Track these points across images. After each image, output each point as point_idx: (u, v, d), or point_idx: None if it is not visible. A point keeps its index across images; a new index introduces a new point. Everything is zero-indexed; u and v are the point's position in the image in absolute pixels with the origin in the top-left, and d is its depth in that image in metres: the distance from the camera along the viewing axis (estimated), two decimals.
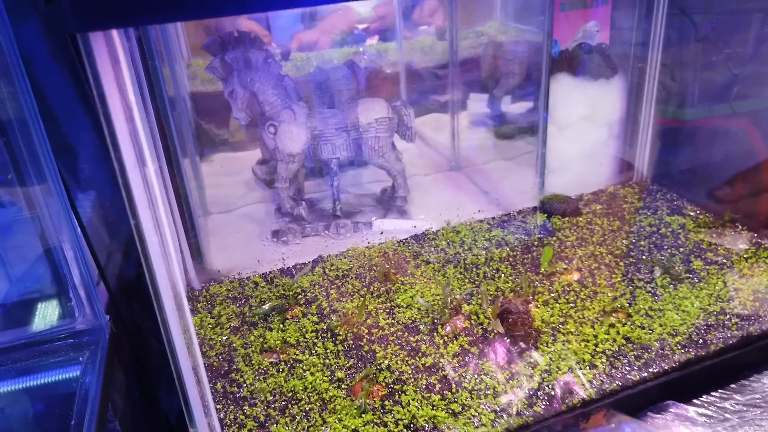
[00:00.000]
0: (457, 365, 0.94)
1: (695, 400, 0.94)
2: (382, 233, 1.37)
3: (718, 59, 1.53)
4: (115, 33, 0.47)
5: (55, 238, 1.09)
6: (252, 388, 0.91)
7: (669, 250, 1.21)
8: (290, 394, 0.90)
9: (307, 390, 0.90)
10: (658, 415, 0.91)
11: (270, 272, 1.22)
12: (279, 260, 1.26)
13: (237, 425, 0.85)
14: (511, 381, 0.90)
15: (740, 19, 1.52)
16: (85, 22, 0.44)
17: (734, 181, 1.38)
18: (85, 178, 1.36)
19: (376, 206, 1.60)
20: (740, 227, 1.27)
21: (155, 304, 0.60)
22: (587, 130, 1.50)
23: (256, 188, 1.69)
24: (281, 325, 1.05)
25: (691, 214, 1.34)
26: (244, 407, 0.88)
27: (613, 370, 0.92)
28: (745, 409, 0.92)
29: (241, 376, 0.94)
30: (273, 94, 1.42)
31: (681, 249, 1.21)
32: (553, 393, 0.88)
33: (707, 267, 1.15)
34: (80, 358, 1.07)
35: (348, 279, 1.17)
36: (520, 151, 1.78)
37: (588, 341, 0.97)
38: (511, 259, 1.21)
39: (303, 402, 0.88)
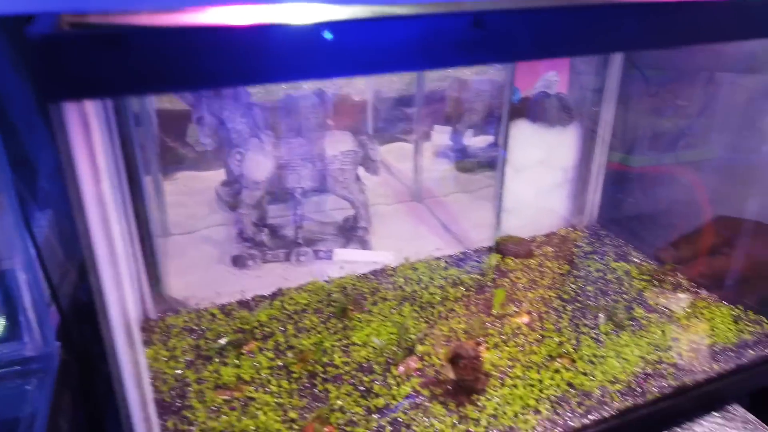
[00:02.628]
0: (408, 408, 0.97)
1: None
2: (342, 268, 1.39)
3: (667, 114, 1.62)
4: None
5: (6, 256, 1.07)
6: (203, 426, 0.91)
7: (613, 297, 1.27)
8: None
9: (260, 430, 0.91)
10: None
11: (228, 304, 1.23)
12: (238, 291, 1.26)
13: None
14: (458, 425, 0.93)
15: (688, 75, 1.62)
16: (57, 92, 0.45)
17: (677, 242, 1.45)
18: (43, 194, 1.33)
19: (337, 235, 1.63)
20: (680, 277, 1.34)
21: (105, 337, 0.60)
22: (543, 173, 1.56)
23: (219, 210, 1.69)
24: (237, 361, 1.05)
25: (636, 260, 1.41)
26: None
27: (556, 416, 0.96)
28: None
29: (194, 414, 0.94)
30: (241, 122, 1.43)
31: (624, 296, 1.28)
32: None
33: (648, 315, 1.21)
34: (27, 386, 1.05)
35: (306, 314, 1.19)
36: (479, 185, 1.84)
37: (534, 386, 1.02)
38: (465, 299, 1.25)
39: None
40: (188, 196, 1.77)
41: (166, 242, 1.53)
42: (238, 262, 1.48)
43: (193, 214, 1.67)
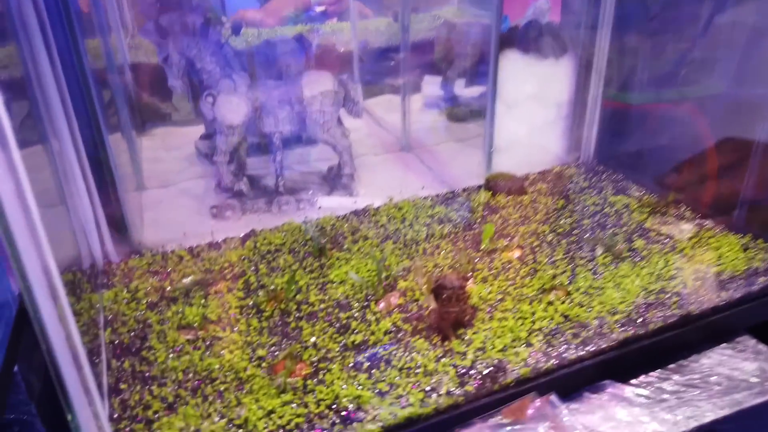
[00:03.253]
0: (388, 342, 0.89)
1: (633, 380, 0.91)
2: (320, 208, 1.31)
3: (667, 44, 1.51)
4: None
5: None
6: (163, 366, 0.83)
7: (612, 229, 1.19)
8: (205, 373, 0.83)
9: (224, 369, 0.83)
10: (595, 395, 0.88)
11: (197, 246, 1.14)
12: (207, 233, 1.18)
13: (142, 406, 0.77)
14: (443, 359, 0.85)
15: (690, 4, 1.50)
16: None
17: (681, 167, 1.36)
18: None
19: (321, 184, 1.54)
20: (683, 208, 1.25)
21: (21, 282, 0.52)
22: (535, 109, 1.47)
23: (198, 164, 1.61)
24: (203, 301, 0.97)
25: (636, 194, 1.32)
26: (152, 387, 0.80)
27: (550, 349, 0.88)
28: (683, 389, 0.89)
29: (153, 354, 0.86)
30: (211, 62, 1.34)
31: (624, 228, 1.19)
32: (485, 372, 0.84)
33: (649, 246, 1.12)
34: None
35: (280, 254, 1.11)
36: (471, 133, 1.74)
37: (525, 318, 0.93)
38: (452, 236, 1.17)
39: (218, 381, 0.81)
40: (166, 151, 1.69)
41: (141, 195, 1.45)
42: (217, 212, 1.40)
43: (170, 168, 1.59)
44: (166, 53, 1.29)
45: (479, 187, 1.37)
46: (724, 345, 0.98)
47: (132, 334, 0.90)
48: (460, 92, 1.90)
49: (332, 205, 1.43)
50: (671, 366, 0.94)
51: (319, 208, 1.32)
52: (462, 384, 0.82)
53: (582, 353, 0.88)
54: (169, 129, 1.74)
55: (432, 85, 2.00)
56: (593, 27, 1.44)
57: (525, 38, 1.44)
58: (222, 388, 0.80)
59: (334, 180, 1.52)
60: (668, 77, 1.56)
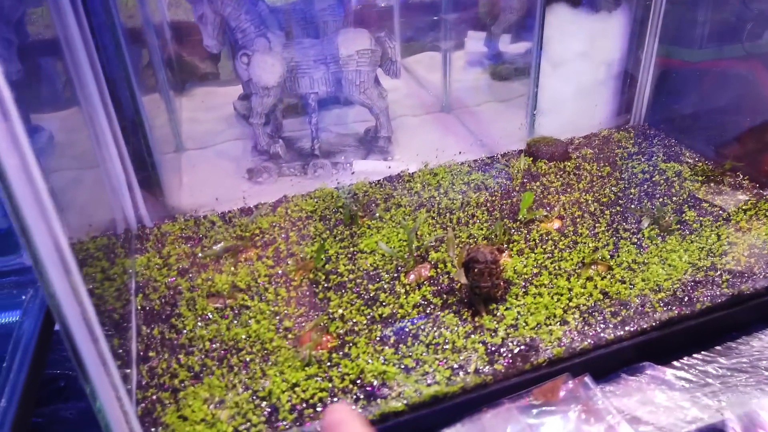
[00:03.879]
0: (416, 317, 0.87)
1: (675, 363, 0.86)
2: (353, 173, 1.28)
3: None
4: None
5: None
6: (191, 335, 0.84)
7: (660, 200, 1.11)
8: (231, 343, 0.83)
9: (251, 339, 0.83)
10: (632, 378, 0.83)
11: (229, 211, 1.14)
12: (240, 198, 1.17)
13: (169, 375, 0.78)
14: (472, 336, 0.83)
15: None
16: None
17: (743, 137, 1.26)
18: None
19: (357, 146, 1.51)
20: (741, 177, 1.16)
21: (30, 253, 0.51)
22: (583, 68, 1.38)
23: (236, 125, 1.60)
24: (233, 268, 0.97)
25: (689, 161, 1.24)
26: (180, 355, 0.81)
27: (586, 327, 0.84)
28: (729, 373, 0.84)
29: (182, 322, 0.87)
30: (246, 20, 1.30)
31: (674, 198, 1.12)
32: (516, 350, 0.81)
33: (701, 218, 1.05)
34: (23, 296, 1.01)
35: (311, 221, 1.09)
36: (515, 93, 1.66)
37: (562, 295, 0.89)
38: (488, 205, 1.12)
39: (244, 352, 0.81)
40: (205, 111, 1.68)
41: (180, 156, 1.45)
42: (252, 174, 1.39)
43: (210, 129, 1.58)
44: (201, 11, 1.27)
45: (520, 151, 1.31)
46: None
47: (162, 300, 0.91)
48: (504, 49, 1.80)
49: (368, 169, 1.40)
50: (717, 348, 0.88)
51: (353, 173, 1.29)
52: (491, 362, 0.79)
53: (621, 333, 0.84)
54: (209, 89, 1.73)
55: (476, 41, 1.91)
56: None
57: None
58: (248, 358, 0.80)
59: (371, 143, 1.48)
60: (731, 32, 1.43)
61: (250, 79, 1.34)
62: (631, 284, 0.91)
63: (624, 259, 0.96)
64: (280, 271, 0.96)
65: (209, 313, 0.88)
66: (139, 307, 0.90)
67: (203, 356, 0.81)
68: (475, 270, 0.86)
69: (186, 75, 1.76)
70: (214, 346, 0.82)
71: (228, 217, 1.12)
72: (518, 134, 1.34)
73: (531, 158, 1.27)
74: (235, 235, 1.05)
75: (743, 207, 1.07)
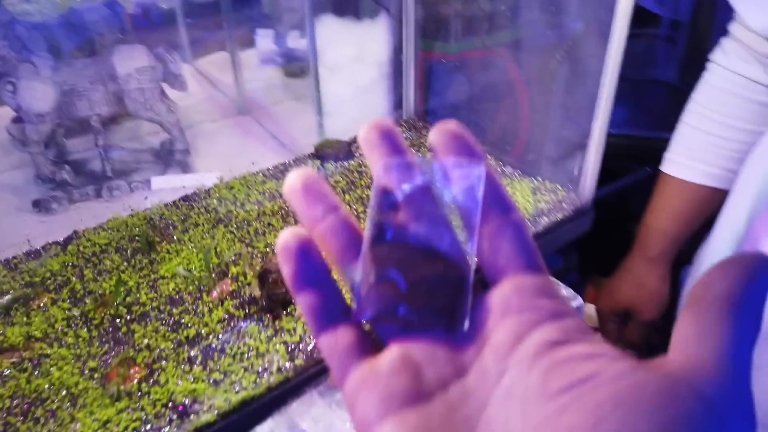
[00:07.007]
0: (221, 332, 0.94)
1: None
2: (146, 198, 1.29)
3: None
4: None
5: None
6: None
7: None
8: (34, 395, 0.83)
9: (55, 387, 0.84)
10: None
11: (14, 257, 1.09)
12: (24, 242, 1.13)
13: None
14: (273, 339, 0.92)
15: None
16: None
17: (498, 120, 1.48)
18: None
19: (155, 162, 1.51)
20: (501, 163, 1.38)
21: None
22: (358, 71, 1.52)
23: (14, 151, 1.50)
24: (25, 318, 0.95)
25: None
26: None
27: None
28: None
29: None
30: (2, 46, 1.24)
31: None
32: (312, 344, 0.92)
33: None
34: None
35: (107, 255, 1.09)
36: (309, 89, 1.76)
37: None
38: (282, 212, 1.22)
39: (49, 401, 0.82)
40: None
41: None
42: (40, 206, 1.33)
43: None
44: None
45: (311, 155, 1.42)
46: None
47: None
48: (295, 45, 1.88)
49: (169, 185, 1.41)
50: None
51: (146, 198, 1.30)
52: (291, 359, 0.89)
53: None
54: None
55: (266, 39, 1.97)
56: None
57: (337, 0, 1.47)
58: (54, 407, 0.81)
59: (168, 157, 1.49)
60: (480, 25, 1.67)
61: (20, 107, 1.28)
62: None
63: None
64: (77, 313, 0.96)
65: (6, 370, 0.87)
66: None
67: (5, 415, 0.80)
68: (270, 279, 0.96)
69: None
70: (15, 402, 0.82)
71: (13, 263, 1.08)
72: (316, 131, 1.44)
73: (319, 161, 1.38)
74: (23, 282, 1.02)
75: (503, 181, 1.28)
